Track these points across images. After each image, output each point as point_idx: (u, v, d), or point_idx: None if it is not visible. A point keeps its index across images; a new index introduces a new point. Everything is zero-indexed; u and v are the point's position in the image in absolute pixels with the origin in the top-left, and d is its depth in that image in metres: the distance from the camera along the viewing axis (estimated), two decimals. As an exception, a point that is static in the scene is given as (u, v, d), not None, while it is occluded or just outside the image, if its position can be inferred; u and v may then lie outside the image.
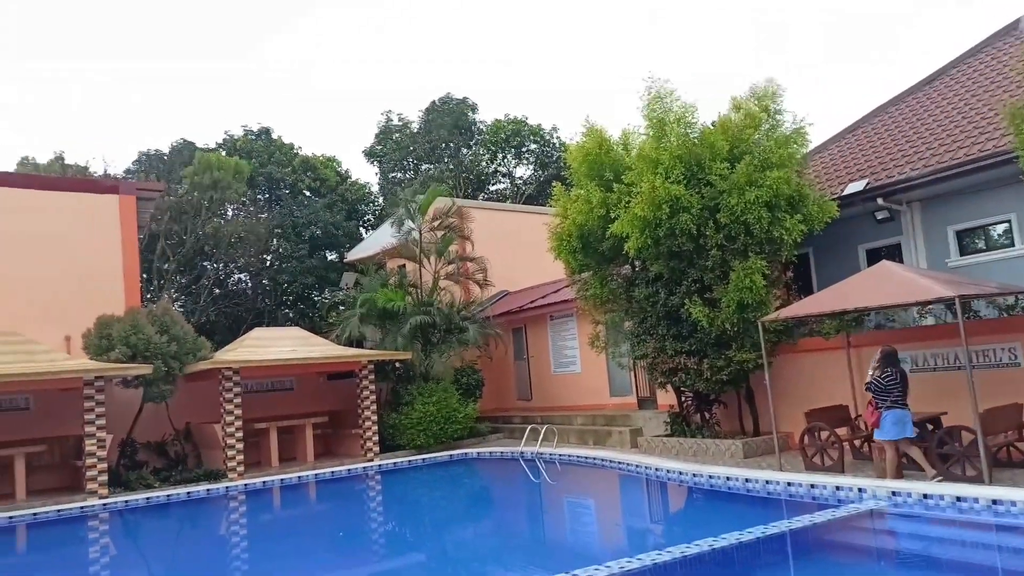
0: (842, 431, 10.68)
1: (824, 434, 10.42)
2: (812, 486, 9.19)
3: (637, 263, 13.69)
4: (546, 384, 19.83)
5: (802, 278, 13.94)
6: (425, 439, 16.67)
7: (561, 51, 59.50)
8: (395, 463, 15.73)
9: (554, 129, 39.93)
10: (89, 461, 13.22)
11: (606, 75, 58.78)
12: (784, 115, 12.67)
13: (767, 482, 9.74)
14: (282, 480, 14.51)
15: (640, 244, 12.29)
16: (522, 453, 15.12)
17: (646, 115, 13.01)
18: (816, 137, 18.75)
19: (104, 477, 13.27)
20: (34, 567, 10.23)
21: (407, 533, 10.90)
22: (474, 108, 39.94)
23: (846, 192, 13.08)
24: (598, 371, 17.88)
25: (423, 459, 15.90)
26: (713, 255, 12.08)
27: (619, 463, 12.84)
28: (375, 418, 16.51)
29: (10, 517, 11.87)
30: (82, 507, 12.53)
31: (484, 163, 39.65)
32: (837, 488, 8.87)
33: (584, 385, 18.48)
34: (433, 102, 39.61)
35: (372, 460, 16.00)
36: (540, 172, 39.39)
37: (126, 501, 12.96)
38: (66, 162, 30.51)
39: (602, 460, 13.38)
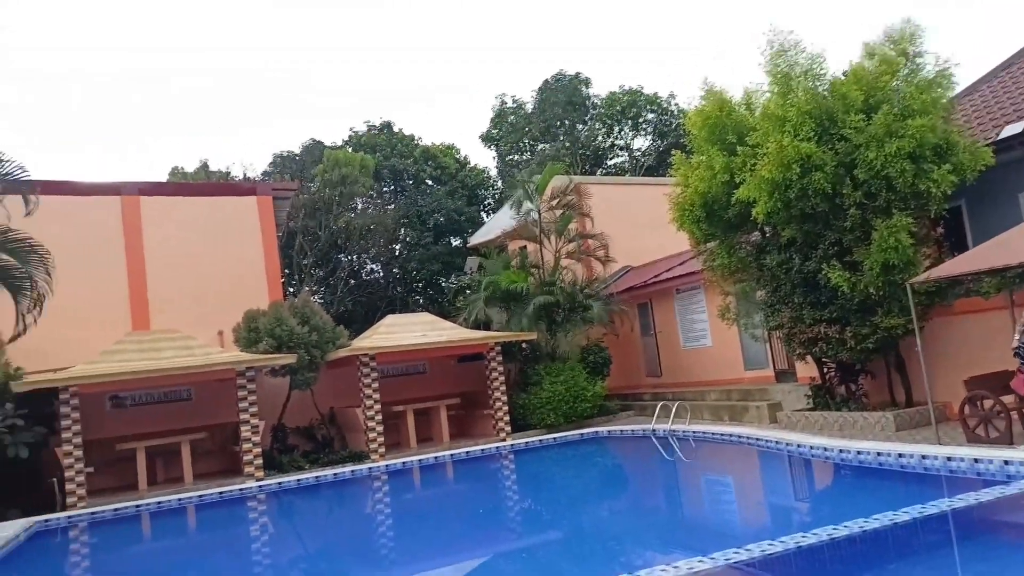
0: (1008, 399, 9.71)
1: (988, 403, 9.53)
2: (976, 461, 8.41)
3: (767, 229, 13.01)
4: (675, 359, 19.37)
5: (954, 234, 12.75)
6: (555, 418, 16.73)
7: (677, 12, 57.49)
8: (526, 442, 15.88)
9: (671, 96, 38.79)
10: (245, 446, 14.21)
11: (725, 33, 56.31)
12: (925, 57, 11.57)
13: (923, 457, 9.01)
14: (420, 460, 15.00)
15: (769, 208, 11.65)
16: (654, 430, 14.85)
17: (769, 71, 12.28)
18: (964, 79, 17.09)
19: (259, 461, 14.23)
20: (203, 545, 11.14)
21: (544, 511, 10.98)
22: (587, 83, 39.42)
23: (1002, 135, 11.79)
24: (730, 344, 17.24)
25: (554, 438, 15.96)
26: (852, 215, 11.27)
27: (757, 439, 12.31)
28: (505, 398, 16.73)
29: (179, 499, 12.96)
30: (241, 489, 13.48)
31: (600, 137, 39.09)
32: (1005, 463, 8.06)
33: (716, 359, 17.89)
34: (546, 80, 39.43)
35: (504, 440, 16.24)
36: (659, 142, 38.38)
37: (279, 483, 13.82)
38: (210, 169, 32.84)
39: (739, 437, 12.89)
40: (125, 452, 14.21)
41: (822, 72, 11.89)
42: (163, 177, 32.90)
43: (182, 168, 33.27)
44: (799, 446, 11.11)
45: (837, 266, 11.41)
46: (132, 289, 17.33)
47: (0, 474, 12.86)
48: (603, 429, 16.24)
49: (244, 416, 14.30)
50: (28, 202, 10.17)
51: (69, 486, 12.85)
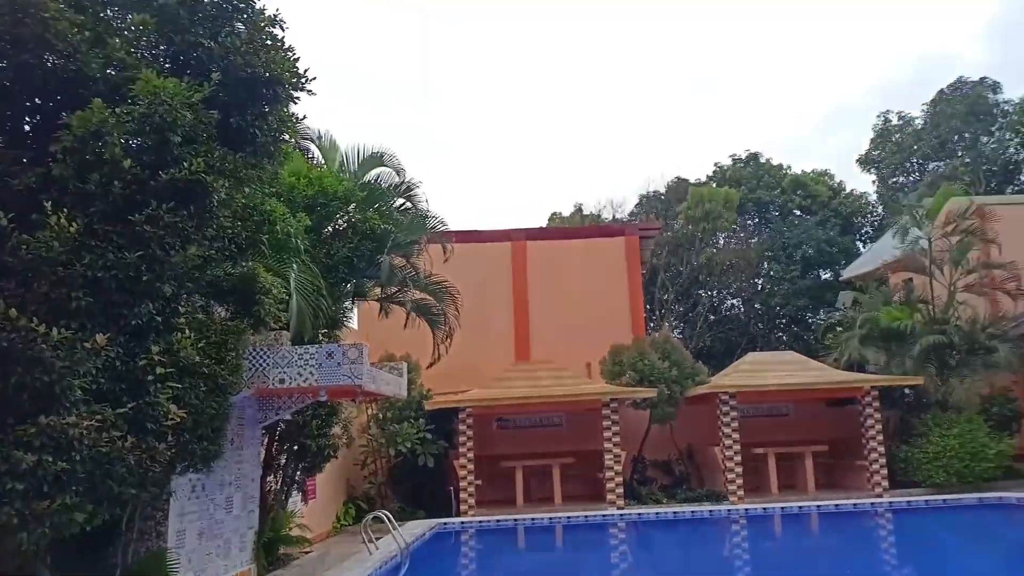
0: None
1: None
2: None
3: None
4: (1122, 418, 15.46)
5: None
6: (945, 477, 14.53)
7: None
8: (908, 501, 14.08)
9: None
10: (608, 474, 14.98)
11: None
12: None
13: None
14: (782, 508, 14.26)
15: None
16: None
17: None
18: None
19: (620, 490, 14.87)
20: (569, 563, 12.04)
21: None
22: (995, 87, 33.93)
23: None
24: None
25: (944, 500, 13.89)
26: None
27: None
28: (882, 450, 15.04)
29: (549, 518, 14.17)
30: (604, 515, 14.25)
31: (1013, 149, 33.22)
32: None
33: None
34: (941, 91, 34.91)
35: (880, 496, 14.58)
36: (1100, 148, 31.27)
37: (639, 513, 14.30)
38: (584, 212, 35.52)
39: None
40: (506, 469, 15.97)
41: None
42: (543, 222, 36.47)
43: (559, 213, 36.52)
44: None
45: None
46: (516, 323, 19.52)
47: (412, 480, 15.46)
48: (1012, 495, 13.66)
49: (608, 445, 15.10)
50: (446, 250, 12.18)
51: (463, 495, 14.87)
